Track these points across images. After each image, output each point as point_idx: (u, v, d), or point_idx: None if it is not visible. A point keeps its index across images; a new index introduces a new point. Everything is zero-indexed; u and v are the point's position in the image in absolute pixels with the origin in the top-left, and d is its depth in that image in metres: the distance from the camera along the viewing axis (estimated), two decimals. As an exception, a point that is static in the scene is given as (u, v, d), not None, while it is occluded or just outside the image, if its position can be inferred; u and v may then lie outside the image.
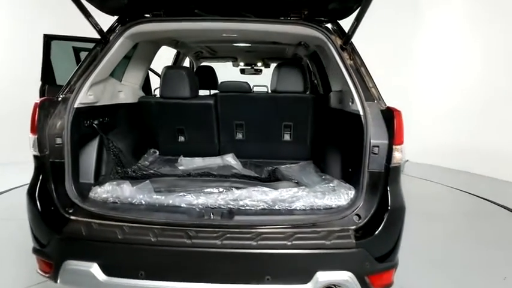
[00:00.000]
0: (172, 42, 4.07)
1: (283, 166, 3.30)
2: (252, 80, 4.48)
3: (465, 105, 7.48)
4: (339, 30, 2.59)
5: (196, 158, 3.57)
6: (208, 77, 5.12)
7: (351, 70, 2.36)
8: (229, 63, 6.60)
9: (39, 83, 4.09)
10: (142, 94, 3.68)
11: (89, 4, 2.36)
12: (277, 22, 2.58)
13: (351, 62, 2.41)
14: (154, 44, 3.58)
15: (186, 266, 2.05)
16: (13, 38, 7.52)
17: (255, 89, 3.98)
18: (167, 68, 3.36)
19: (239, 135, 3.69)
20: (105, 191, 2.38)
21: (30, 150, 2.25)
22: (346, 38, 2.41)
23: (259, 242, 1.98)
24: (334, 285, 2.04)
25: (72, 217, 2.15)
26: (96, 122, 2.74)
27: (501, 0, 6.96)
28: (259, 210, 2.26)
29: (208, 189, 2.46)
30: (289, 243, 1.98)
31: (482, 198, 5.82)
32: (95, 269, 2.03)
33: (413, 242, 2.97)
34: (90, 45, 2.66)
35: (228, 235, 2.01)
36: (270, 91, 3.55)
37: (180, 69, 3.67)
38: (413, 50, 8.36)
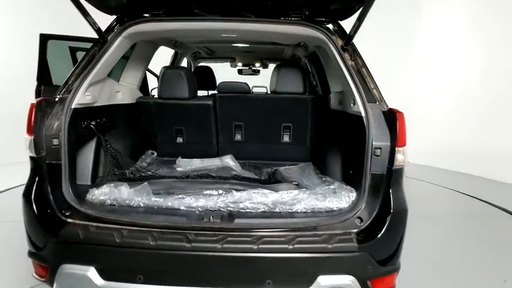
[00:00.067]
0: (171, 42, 4.04)
1: (282, 168, 3.28)
2: (250, 80, 4.45)
3: (465, 107, 7.48)
4: (340, 30, 2.57)
5: (195, 160, 3.53)
6: (206, 78, 5.09)
7: (353, 71, 2.34)
8: (227, 64, 6.56)
9: (34, 83, 4.04)
10: (140, 94, 3.65)
11: (87, 3, 2.33)
12: (277, 22, 2.55)
13: (352, 62, 2.39)
14: (152, 44, 3.55)
15: (185, 270, 2.01)
16: (12, 38, 7.46)
17: (254, 90, 3.95)
18: (166, 68, 3.33)
19: (238, 137, 3.66)
20: (102, 193, 2.34)
21: (26, 151, 2.21)
22: (347, 38, 2.39)
23: (260, 246, 1.94)
24: None
25: (69, 220, 2.12)
26: (93, 122, 2.70)
27: (501, 1, 6.96)
28: (260, 212, 2.23)
29: (208, 191, 2.42)
30: (290, 246, 1.95)
31: (481, 200, 5.81)
32: (92, 273, 1.99)
33: (413, 244, 2.95)
34: (87, 45, 2.63)
35: (229, 238, 1.97)
36: (269, 92, 3.52)
37: (178, 70, 3.63)
38: (413, 51, 8.37)
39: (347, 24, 2.56)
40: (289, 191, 2.34)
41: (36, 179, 2.19)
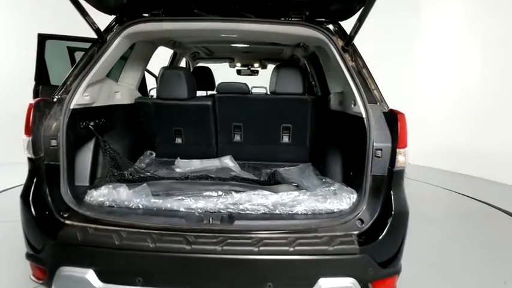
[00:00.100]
0: (170, 42, 4.02)
1: (281, 168, 3.26)
2: (249, 81, 4.44)
3: (465, 107, 7.48)
4: (340, 31, 2.55)
5: (194, 160, 3.51)
6: (205, 78, 5.07)
7: (353, 72, 2.32)
8: (226, 65, 6.54)
9: (33, 83, 4.02)
10: (139, 95, 3.62)
11: (86, 3, 2.31)
12: (277, 23, 2.53)
13: (353, 63, 2.38)
14: (151, 44, 3.53)
15: (185, 272, 1.99)
16: (12, 38, 7.43)
17: (254, 91, 3.94)
18: (165, 68, 3.31)
19: (237, 137, 3.64)
20: (101, 195, 2.31)
21: (24, 152, 2.19)
22: (348, 39, 2.38)
23: (261, 248, 1.93)
24: None
25: (67, 221, 2.09)
26: (92, 123, 2.68)
27: (501, 2, 6.96)
28: (260, 214, 2.21)
29: (207, 193, 2.41)
30: (291, 249, 1.93)
31: (481, 201, 5.81)
32: (90, 275, 1.97)
33: (413, 245, 2.93)
34: (85, 45, 2.61)
35: (229, 241, 1.95)
36: (268, 92, 3.50)
37: (177, 70, 3.61)
38: (412, 52, 8.37)
39: (347, 24, 2.55)
40: (289, 193, 2.33)
41: (34, 181, 2.16)
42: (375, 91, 2.29)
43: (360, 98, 2.25)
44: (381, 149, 2.10)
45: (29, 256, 2.16)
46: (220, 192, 2.39)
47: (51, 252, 2.06)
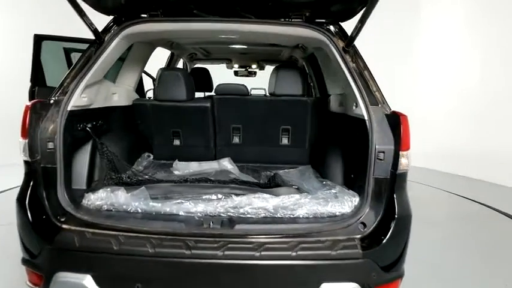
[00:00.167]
0: (168, 43, 3.98)
1: (281, 171, 3.22)
2: (247, 82, 4.41)
3: (464, 108, 7.48)
4: (341, 32, 2.53)
5: (192, 163, 3.47)
6: (202, 79, 5.04)
7: (354, 73, 2.30)
8: (224, 66, 6.51)
9: (28, 85, 3.97)
10: (137, 96, 3.58)
11: (84, 3, 2.26)
12: (277, 23, 2.51)
13: (354, 64, 2.35)
14: (149, 45, 3.49)
15: (185, 278, 1.94)
16: (11, 39, 7.36)
17: (253, 92, 3.91)
18: (163, 69, 3.27)
19: (236, 139, 3.61)
20: (98, 198, 2.27)
21: (21, 155, 2.14)
22: (349, 40, 2.35)
23: (263, 253, 1.89)
24: None
25: (64, 226, 2.05)
26: (89, 125, 2.64)
27: (500, 3, 6.97)
28: (261, 218, 2.17)
29: (207, 196, 2.36)
30: (293, 253, 1.89)
31: (480, 203, 5.79)
32: (88, 281, 1.92)
33: (413, 247, 2.90)
34: (82, 46, 2.56)
35: (230, 245, 1.91)
36: (268, 94, 3.47)
37: (176, 71, 3.58)
38: (412, 52, 8.37)
39: (347, 25, 2.52)
40: (290, 196, 2.29)
41: (31, 184, 2.12)
42: (377, 93, 2.26)
43: (361, 100, 2.22)
44: (383, 152, 2.08)
45: (25, 261, 2.10)
46: (220, 196, 2.34)
47: (48, 257, 2.01)
